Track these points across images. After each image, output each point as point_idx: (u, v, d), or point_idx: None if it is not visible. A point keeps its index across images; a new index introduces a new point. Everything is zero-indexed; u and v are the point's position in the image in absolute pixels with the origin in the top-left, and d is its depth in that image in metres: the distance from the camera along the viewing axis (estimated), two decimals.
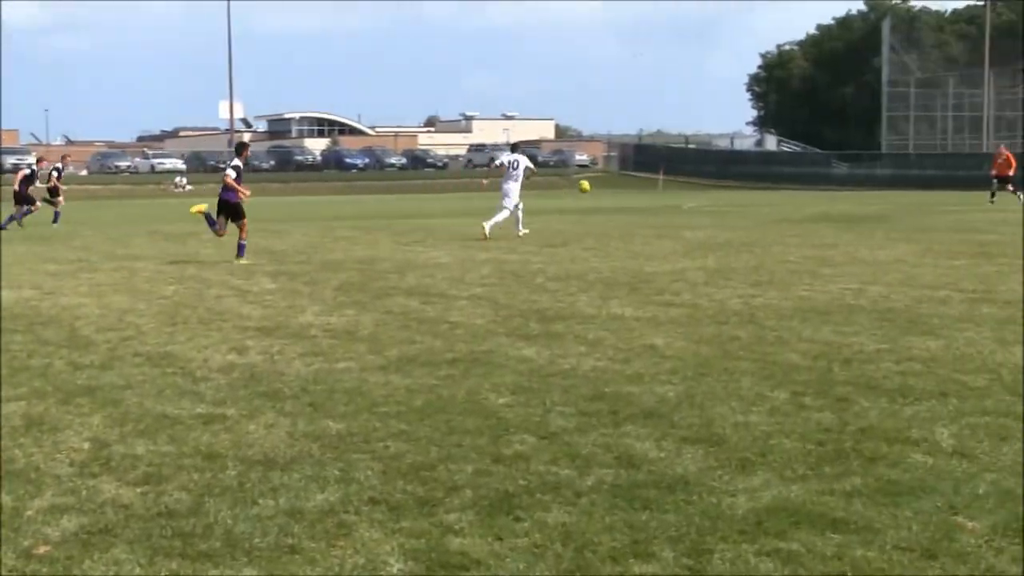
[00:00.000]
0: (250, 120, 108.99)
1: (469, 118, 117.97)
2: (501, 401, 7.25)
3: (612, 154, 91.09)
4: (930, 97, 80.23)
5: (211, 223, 18.68)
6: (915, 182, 61.51)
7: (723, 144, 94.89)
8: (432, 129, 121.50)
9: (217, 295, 13.17)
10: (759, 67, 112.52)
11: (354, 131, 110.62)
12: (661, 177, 67.99)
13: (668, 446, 6.08)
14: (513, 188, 22.62)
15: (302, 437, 6.41)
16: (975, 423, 6.46)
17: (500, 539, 4.71)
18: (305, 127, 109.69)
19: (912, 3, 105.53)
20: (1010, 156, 38.21)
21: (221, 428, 6.65)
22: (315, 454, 6.05)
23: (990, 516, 4.86)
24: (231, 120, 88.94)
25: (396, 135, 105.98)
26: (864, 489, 5.25)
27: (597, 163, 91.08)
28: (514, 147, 24.73)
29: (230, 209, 18.21)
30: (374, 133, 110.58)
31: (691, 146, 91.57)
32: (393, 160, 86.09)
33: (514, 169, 22.75)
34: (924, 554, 4.46)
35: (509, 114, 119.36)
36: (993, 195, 36.74)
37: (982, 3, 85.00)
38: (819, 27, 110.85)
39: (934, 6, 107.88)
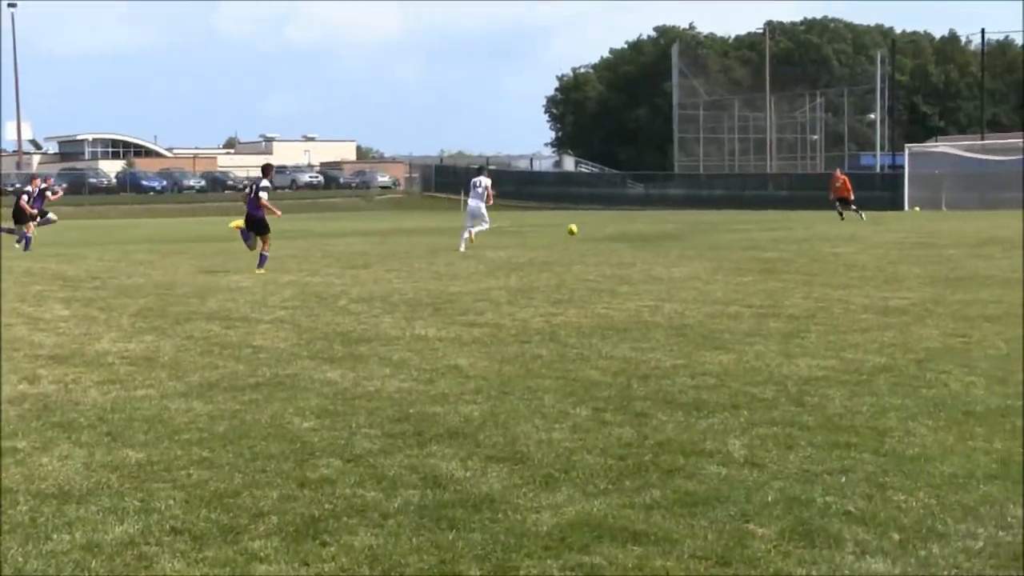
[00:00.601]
0: (40, 142, 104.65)
1: (269, 139, 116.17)
2: (306, 425, 7.16)
3: (414, 175, 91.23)
4: (717, 120, 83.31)
5: (245, 238, 20.42)
6: (706, 201, 63.73)
7: (523, 165, 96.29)
8: (232, 151, 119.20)
9: (6, 323, 12.58)
10: (556, 90, 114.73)
11: (150, 153, 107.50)
12: (463, 198, 68.51)
13: (473, 465, 6.12)
14: (476, 204, 25.42)
15: (99, 468, 6.18)
16: (764, 433, 6.73)
17: (306, 564, 4.65)
18: (99, 149, 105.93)
19: (698, 30, 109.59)
20: (846, 179, 40.03)
21: (12, 462, 6.36)
22: (113, 485, 5.85)
23: (778, 522, 5.06)
24: (19, 141, 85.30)
25: (195, 157, 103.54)
26: (663, 501, 5.40)
27: (399, 184, 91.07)
28: (479, 169, 28.41)
29: (259, 224, 19.99)
30: (171, 155, 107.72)
31: (491, 167, 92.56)
32: (192, 182, 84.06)
33: (476, 188, 25.68)
34: (719, 561, 4.61)
35: (310, 136, 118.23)
36: (841, 215, 38.33)
37: (761, 31, 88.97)
38: (612, 51, 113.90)
39: (719, 32, 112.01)
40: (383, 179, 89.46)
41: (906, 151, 58.30)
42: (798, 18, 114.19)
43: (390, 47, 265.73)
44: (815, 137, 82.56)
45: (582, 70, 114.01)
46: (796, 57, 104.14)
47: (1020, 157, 54.69)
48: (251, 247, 20.36)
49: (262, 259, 19.69)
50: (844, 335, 10.64)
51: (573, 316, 12.41)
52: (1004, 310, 12.25)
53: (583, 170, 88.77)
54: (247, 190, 20.94)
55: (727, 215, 48.39)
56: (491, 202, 25.78)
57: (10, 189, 33.84)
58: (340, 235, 33.91)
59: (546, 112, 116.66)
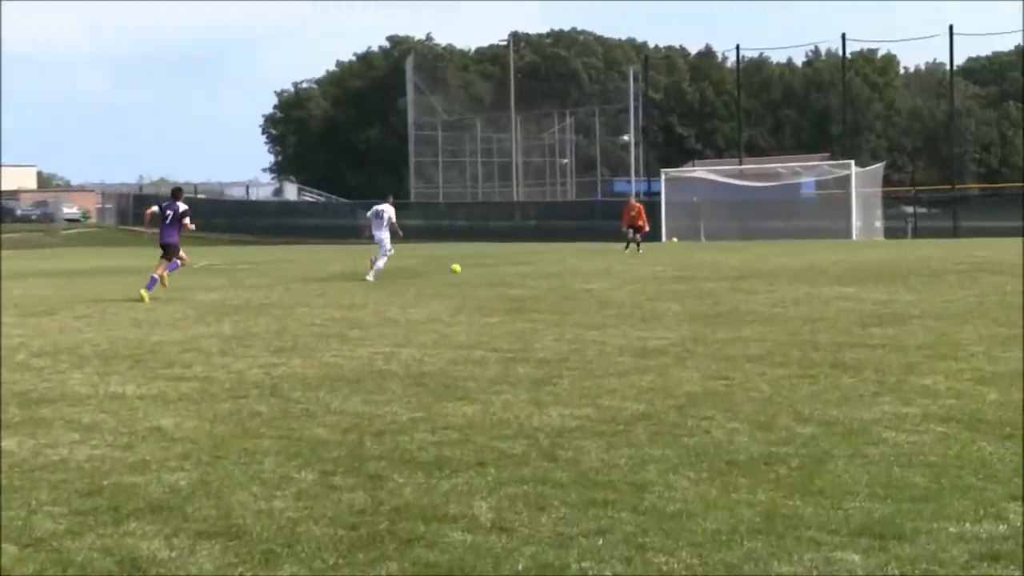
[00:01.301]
0: None
1: None
2: None
3: (108, 206, 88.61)
4: (458, 141, 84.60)
5: (172, 268, 23.57)
6: (446, 233, 64.53)
7: (237, 193, 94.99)
8: None
9: None
10: (275, 107, 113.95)
11: None
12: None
13: (180, 543, 5.96)
14: (384, 236, 28.11)
15: None
16: (514, 493, 6.83)
17: None
18: None
19: (436, 41, 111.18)
20: (641, 207, 41.42)
21: None
22: None
23: None
24: None
25: None
26: (400, 574, 5.40)
27: (90, 216, 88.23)
28: (383, 196, 31.14)
29: (174, 249, 23.24)
30: None
31: (200, 196, 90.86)
32: None
33: (377, 218, 28.46)
34: None
35: None
36: (627, 245, 39.83)
37: (505, 43, 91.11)
38: (339, 64, 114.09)
39: (459, 44, 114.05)
40: (70, 211, 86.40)
41: (662, 176, 60.75)
42: (544, 29, 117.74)
43: (74, 59, 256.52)
44: (565, 161, 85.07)
45: (305, 85, 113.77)
46: (543, 72, 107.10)
47: (778, 183, 58.00)
48: (183, 262, 24.12)
49: (152, 281, 22.60)
50: (600, 380, 10.95)
51: (297, 366, 12.29)
52: (767, 349, 12.90)
53: (307, 199, 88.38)
54: (157, 215, 23.35)
55: (470, 248, 49.12)
56: (399, 234, 28.91)
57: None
58: (17, 277, 32.51)
59: (264, 133, 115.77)
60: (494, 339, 14.42)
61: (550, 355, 12.79)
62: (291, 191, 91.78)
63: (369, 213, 29.12)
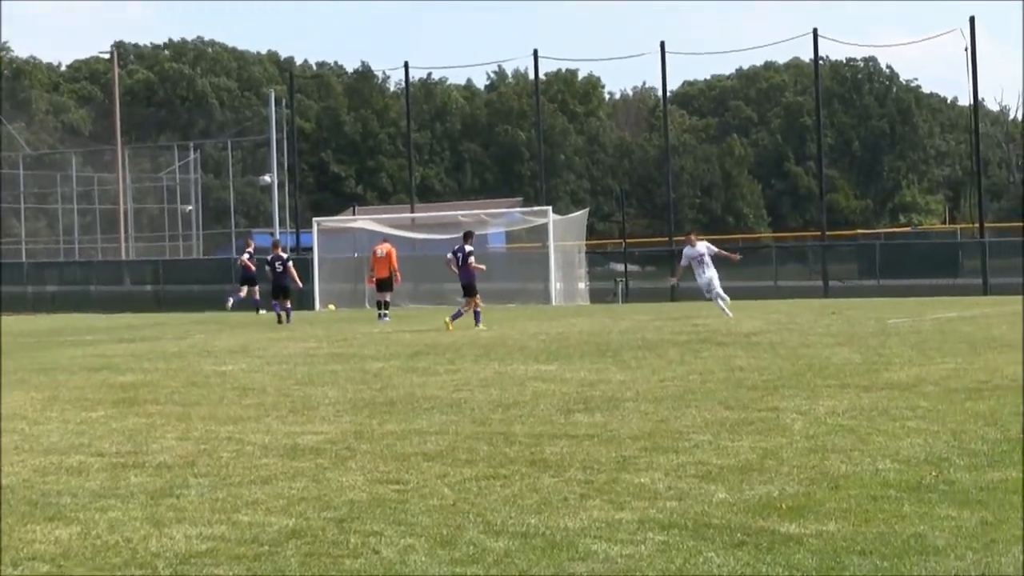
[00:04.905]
0: None
1: None
2: None
3: None
4: (47, 183, 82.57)
5: (458, 315, 33.87)
6: (32, 302, 62.73)
7: None
8: None
9: None
10: None
11: None
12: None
13: None
14: (711, 273, 35.80)
15: None
16: None
17: None
18: None
19: (15, 52, 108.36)
20: (391, 252, 43.20)
21: None
22: None
23: None
24: None
25: None
26: None
27: None
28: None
29: (471, 288, 34.69)
30: None
31: None
32: None
33: (700, 259, 35.84)
34: None
35: None
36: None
37: (108, 55, 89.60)
38: None
39: (47, 57, 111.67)
40: None
41: (315, 227, 60.82)
42: (161, 39, 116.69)
43: None
44: (189, 208, 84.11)
45: None
46: (160, 93, 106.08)
47: (460, 235, 58.97)
48: (465, 312, 33.94)
49: (477, 316, 33.75)
50: (237, 489, 10.85)
51: None
52: (449, 443, 13.05)
53: None
54: (453, 257, 34.87)
55: (64, 321, 47.91)
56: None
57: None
58: None
59: None
60: (97, 440, 14.09)
61: (172, 459, 12.59)
62: None
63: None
